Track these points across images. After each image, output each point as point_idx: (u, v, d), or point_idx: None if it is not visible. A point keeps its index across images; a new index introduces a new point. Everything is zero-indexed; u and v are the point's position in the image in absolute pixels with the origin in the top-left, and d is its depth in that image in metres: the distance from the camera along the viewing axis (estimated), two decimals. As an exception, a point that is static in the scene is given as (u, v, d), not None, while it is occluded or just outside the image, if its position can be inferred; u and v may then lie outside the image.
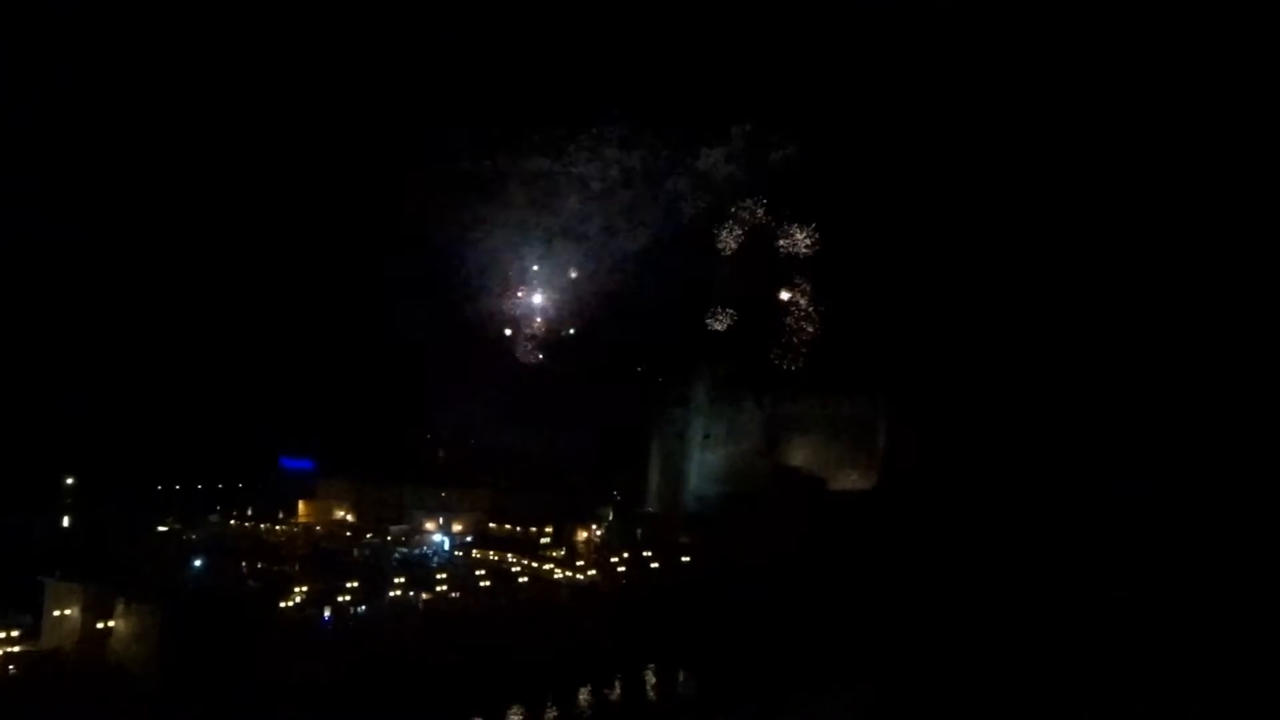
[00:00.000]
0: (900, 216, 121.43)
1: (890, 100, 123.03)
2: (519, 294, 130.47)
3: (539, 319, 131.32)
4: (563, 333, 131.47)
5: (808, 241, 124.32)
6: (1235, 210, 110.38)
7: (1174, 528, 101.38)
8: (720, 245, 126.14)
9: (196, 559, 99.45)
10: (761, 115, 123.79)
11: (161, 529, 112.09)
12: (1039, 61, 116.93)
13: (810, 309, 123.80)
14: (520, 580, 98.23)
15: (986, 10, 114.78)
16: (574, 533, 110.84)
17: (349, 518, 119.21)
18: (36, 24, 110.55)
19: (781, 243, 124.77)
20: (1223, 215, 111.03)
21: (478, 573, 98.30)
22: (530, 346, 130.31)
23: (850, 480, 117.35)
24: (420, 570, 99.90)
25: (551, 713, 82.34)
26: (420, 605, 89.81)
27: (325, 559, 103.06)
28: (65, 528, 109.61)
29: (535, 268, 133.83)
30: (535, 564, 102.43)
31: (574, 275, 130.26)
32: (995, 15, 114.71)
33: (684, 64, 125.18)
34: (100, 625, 79.07)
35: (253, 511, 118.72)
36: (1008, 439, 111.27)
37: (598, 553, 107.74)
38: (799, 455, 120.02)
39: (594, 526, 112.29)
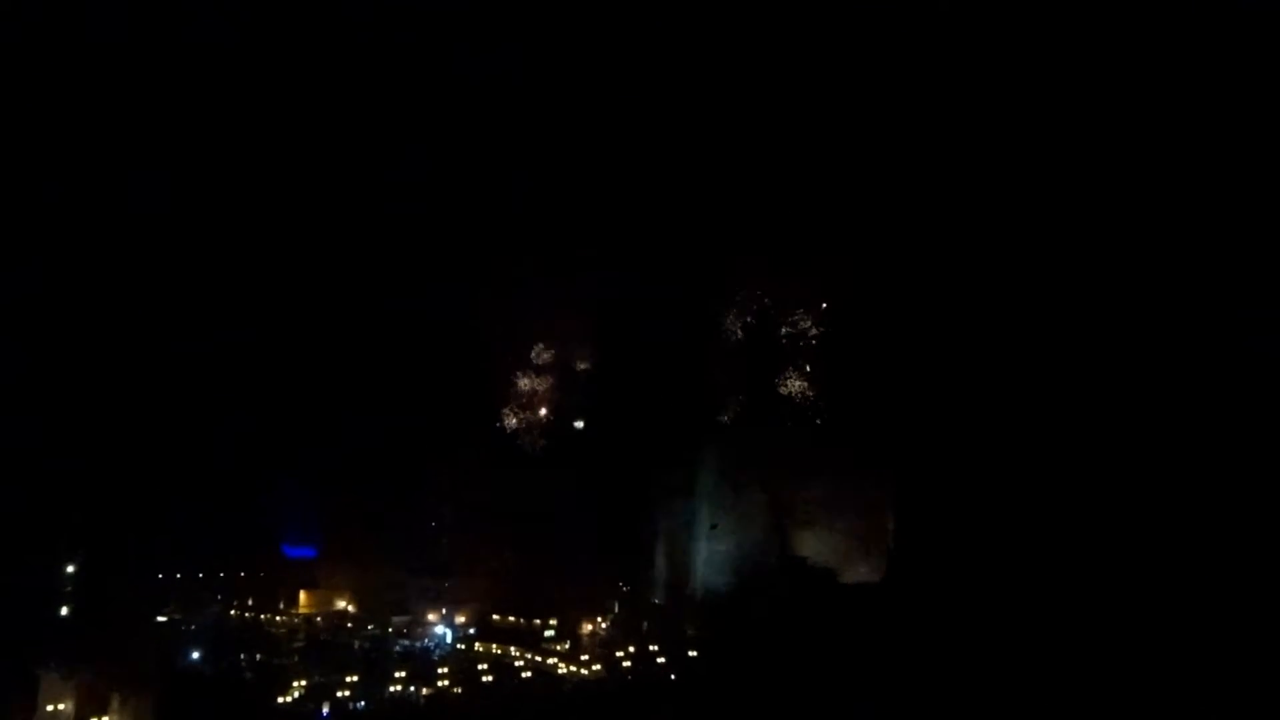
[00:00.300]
0: (906, 293, 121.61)
1: (891, 176, 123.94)
2: (524, 383, 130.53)
3: (545, 409, 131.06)
4: (573, 422, 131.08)
5: (814, 329, 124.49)
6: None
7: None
8: (725, 331, 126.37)
9: (194, 650, 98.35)
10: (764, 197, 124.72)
11: (161, 619, 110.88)
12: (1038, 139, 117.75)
13: (813, 395, 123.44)
14: (523, 675, 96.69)
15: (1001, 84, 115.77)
16: (579, 625, 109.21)
17: (350, 608, 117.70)
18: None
19: (785, 328, 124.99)
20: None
21: (480, 666, 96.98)
22: (536, 434, 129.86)
23: (860, 572, 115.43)
24: (421, 663, 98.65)
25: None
26: (421, 701, 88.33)
27: (325, 651, 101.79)
28: (63, 617, 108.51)
29: (545, 356, 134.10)
30: (538, 657, 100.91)
31: (582, 366, 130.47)
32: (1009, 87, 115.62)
33: (685, 146, 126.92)
34: (95, 720, 77.99)
35: (253, 601, 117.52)
36: (1020, 527, 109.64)
37: (603, 646, 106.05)
38: (808, 545, 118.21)
39: (599, 619, 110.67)
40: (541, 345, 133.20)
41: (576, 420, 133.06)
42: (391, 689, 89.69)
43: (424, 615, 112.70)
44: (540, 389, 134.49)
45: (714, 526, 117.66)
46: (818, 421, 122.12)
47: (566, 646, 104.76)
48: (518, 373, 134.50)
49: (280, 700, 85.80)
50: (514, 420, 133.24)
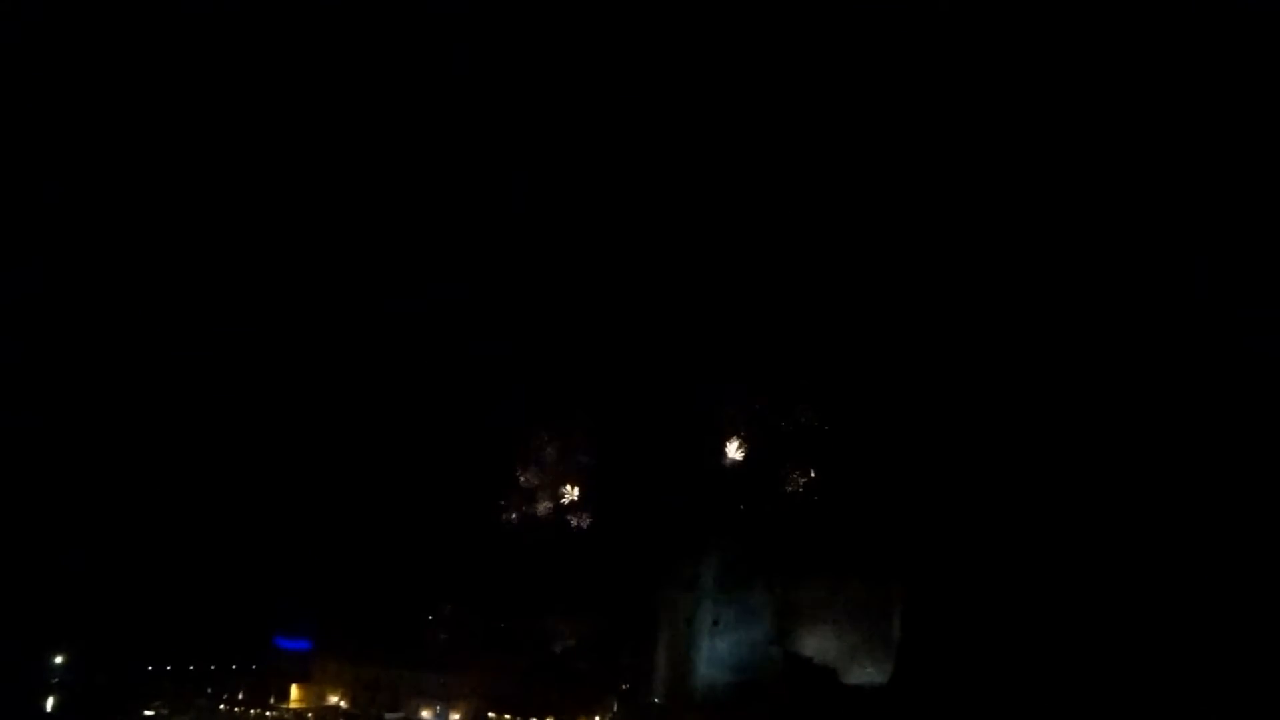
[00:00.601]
0: (910, 394, 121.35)
1: (891, 271, 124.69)
2: (526, 478, 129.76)
3: (547, 504, 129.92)
4: (574, 523, 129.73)
5: (814, 421, 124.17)
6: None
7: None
8: (726, 425, 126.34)
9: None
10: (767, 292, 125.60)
11: (148, 713, 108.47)
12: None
13: (816, 493, 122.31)
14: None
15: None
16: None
17: (343, 704, 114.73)
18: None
19: (784, 423, 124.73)
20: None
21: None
22: (535, 529, 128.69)
23: (864, 673, 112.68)
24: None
25: None
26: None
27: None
28: (49, 711, 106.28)
29: (549, 449, 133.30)
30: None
31: (583, 459, 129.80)
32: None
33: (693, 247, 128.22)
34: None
35: (244, 695, 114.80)
36: (1032, 630, 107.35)
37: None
38: (811, 644, 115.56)
39: (597, 718, 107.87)
40: (545, 437, 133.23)
41: (577, 516, 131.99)
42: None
43: (418, 712, 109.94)
44: (542, 484, 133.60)
45: (716, 623, 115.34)
46: (821, 520, 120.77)
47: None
48: (520, 468, 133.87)
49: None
50: (514, 515, 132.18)
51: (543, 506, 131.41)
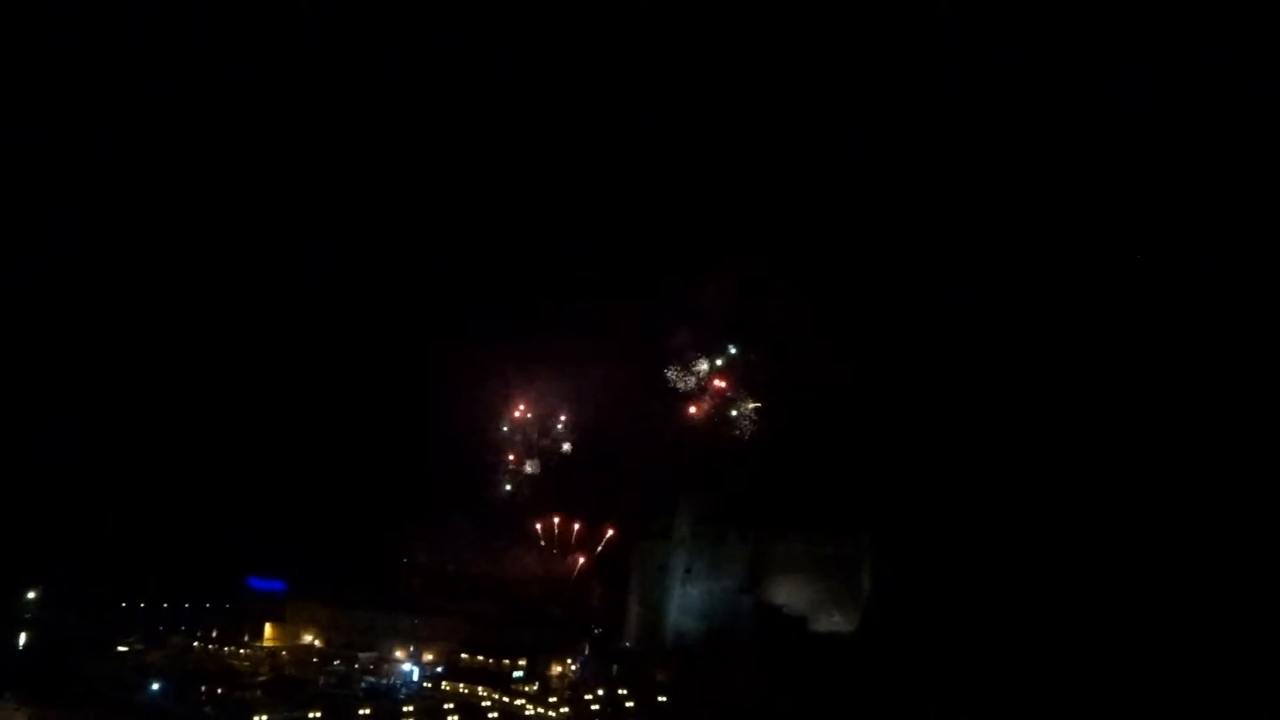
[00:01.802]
0: (882, 354, 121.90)
1: (869, 232, 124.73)
2: (503, 426, 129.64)
3: (521, 451, 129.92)
4: (550, 459, 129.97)
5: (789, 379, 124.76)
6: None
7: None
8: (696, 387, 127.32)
9: (155, 682, 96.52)
10: (747, 254, 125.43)
11: (122, 648, 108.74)
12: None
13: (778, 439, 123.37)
14: (490, 716, 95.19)
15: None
16: (548, 667, 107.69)
17: (317, 643, 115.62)
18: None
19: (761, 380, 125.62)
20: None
21: (446, 706, 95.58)
22: (512, 478, 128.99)
23: (833, 622, 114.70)
24: (387, 702, 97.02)
25: None
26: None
27: (289, 686, 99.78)
28: (21, 646, 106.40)
29: (521, 399, 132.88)
30: (507, 699, 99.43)
31: (563, 421, 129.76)
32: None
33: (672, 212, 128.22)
34: (47, 750, 76.08)
35: (217, 633, 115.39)
36: (995, 584, 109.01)
37: (572, 689, 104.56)
38: (782, 594, 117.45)
39: (569, 661, 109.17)
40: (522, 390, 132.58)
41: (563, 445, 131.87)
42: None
43: (391, 653, 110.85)
44: (517, 433, 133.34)
45: (689, 571, 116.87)
46: (795, 475, 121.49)
47: (535, 688, 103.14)
48: (497, 420, 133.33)
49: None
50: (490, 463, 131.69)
51: (519, 456, 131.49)
